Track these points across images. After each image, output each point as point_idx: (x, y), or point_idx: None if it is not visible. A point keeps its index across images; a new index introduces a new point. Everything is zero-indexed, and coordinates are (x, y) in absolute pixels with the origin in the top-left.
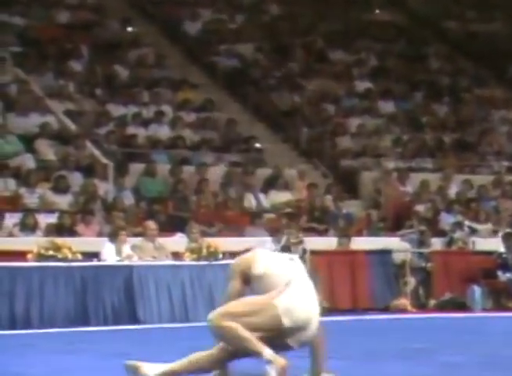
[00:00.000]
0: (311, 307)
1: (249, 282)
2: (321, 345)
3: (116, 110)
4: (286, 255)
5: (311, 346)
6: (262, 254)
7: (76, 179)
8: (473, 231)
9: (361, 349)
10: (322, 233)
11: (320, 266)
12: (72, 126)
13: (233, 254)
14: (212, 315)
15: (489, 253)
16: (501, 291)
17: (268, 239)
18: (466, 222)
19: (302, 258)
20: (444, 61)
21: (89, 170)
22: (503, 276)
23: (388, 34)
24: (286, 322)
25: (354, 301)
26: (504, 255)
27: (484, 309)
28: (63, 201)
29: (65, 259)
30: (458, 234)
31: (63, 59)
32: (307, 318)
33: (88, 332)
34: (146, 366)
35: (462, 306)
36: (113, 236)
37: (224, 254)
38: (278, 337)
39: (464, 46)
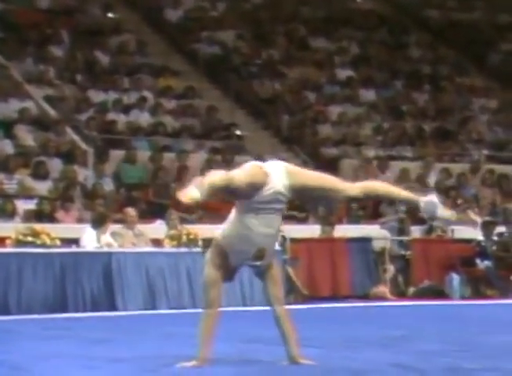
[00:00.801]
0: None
1: (251, 192)
2: (291, 330)
3: (96, 96)
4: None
5: (280, 332)
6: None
7: (55, 165)
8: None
9: (340, 337)
10: (302, 220)
11: (300, 254)
12: (52, 112)
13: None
14: None
15: (468, 241)
16: (479, 279)
17: None
18: None
19: (282, 245)
20: (425, 49)
21: (69, 156)
22: (482, 264)
23: (370, 22)
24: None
25: (334, 288)
26: (483, 243)
27: (463, 297)
28: (43, 187)
29: (44, 245)
30: (437, 222)
31: (44, 45)
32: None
33: (66, 319)
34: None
35: (440, 294)
36: (99, 223)
37: (203, 241)
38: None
39: (445, 35)
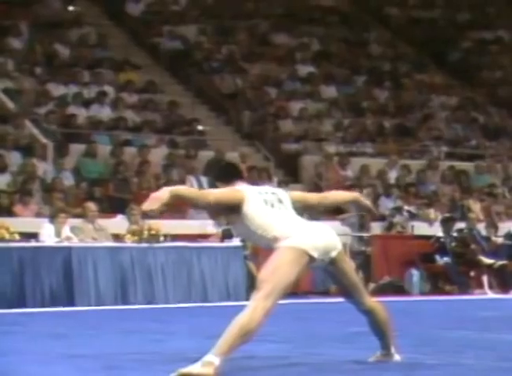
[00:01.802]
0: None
1: (234, 211)
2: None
3: (56, 89)
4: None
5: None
6: (252, 196)
7: (14, 159)
8: (412, 216)
9: (301, 333)
10: None
11: (261, 250)
12: (11, 105)
13: (175, 237)
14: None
15: (428, 237)
16: (439, 275)
17: (210, 222)
18: (406, 207)
19: (243, 241)
20: (385, 47)
21: (28, 150)
22: (441, 261)
23: (331, 19)
24: (316, 254)
25: (294, 284)
26: (442, 240)
27: (422, 293)
28: (1, 181)
29: (2, 240)
30: (397, 218)
31: (2, 37)
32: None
33: (24, 314)
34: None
35: (400, 290)
36: (53, 218)
37: (165, 236)
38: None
39: (405, 32)
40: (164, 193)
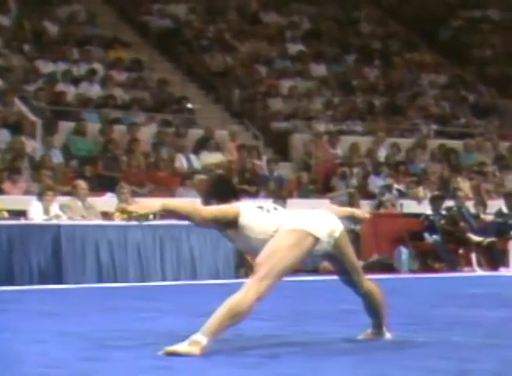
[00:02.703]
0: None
1: (231, 226)
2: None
3: (45, 66)
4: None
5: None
6: (246, 208)
7: (3, 136)
8: (401, 194)
9: (290, 310)
10: (253, 194)
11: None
12: None
13: (164, 215)
14: None
15: (417, 215)
16: (427, 253)
17: (199, 200)
18: (395, 186)
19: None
20: (375, 25)
21: (17, 127)
22: (430, 238)
23: None
24: (320, 235)
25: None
26: (431, 217)
27: (411, 271)
28: None
29: None
30: (387, 197)
31: None
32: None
33: (13, 291)
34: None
35: (389, 268)
36: (41, 196)
37: (155, 215)
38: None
39: (396, 11)
40: (155, 205)
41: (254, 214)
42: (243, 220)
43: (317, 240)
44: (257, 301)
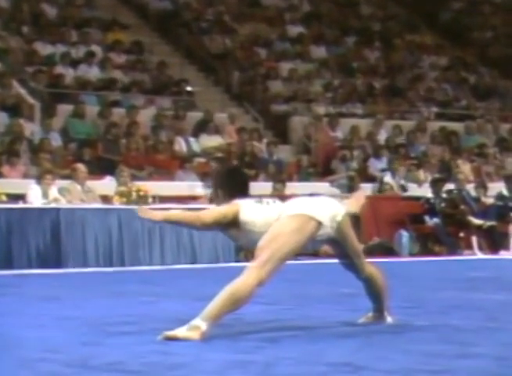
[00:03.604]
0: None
1: (233, 225)
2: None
3: (43, 49)
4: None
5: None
6: (246, 204)
7: (1, 119)
8: (404, 190)
9: (290, 294)
10: (253, 178)
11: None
12: None
13: (163, 199)
14: None
15: (417, 198)
16: (428, 236)
17: (199, 184)
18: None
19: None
20: (376, 7)
21: (15, 110)
22: (430, 222)
23: None
24: (323, 219)
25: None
26: (432, 200)
27: (412, 254)
28: None
29: None
30: (386, 179)
31: None
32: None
33: (12, 275)
34: (180, 330)
35: (390, 251)
36: (40, 179)
37: (154, 198)
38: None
39: None
40: (156, 215)
41: (254, 208)
42: (244, 216)
43: (320, 224)
44: (258, 287)
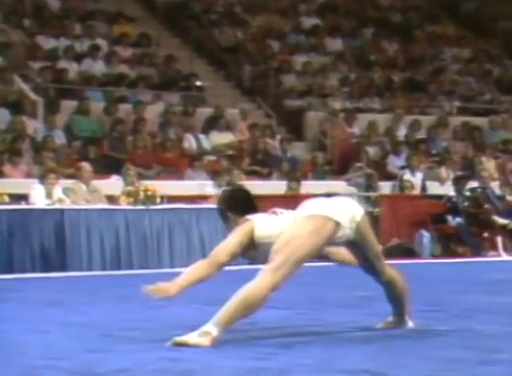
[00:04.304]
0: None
1: (254, 251)
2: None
3: (46, 42)
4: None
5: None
6: (259, 218)
7: (2, 116)
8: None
9: (304, 298)
10: (266, 176)
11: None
12: None
13: (172, 199)
14: None
15: (439, 197)
16: (450, 237)
17: (209, 183)
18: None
19: None
20: None
21: (17, 106)
22: (453, 221)
23: None
24: (341, 219)
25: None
26: (454, 199)
27: (433, 255)
28: None
29: None
30: (406, 177)
31: None
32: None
33: (14, 280)
34: (191, 335)
35: (410, 252)
36: (43, 179)
37: (162, 198)
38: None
39: None
40: (168, 289)
41: (267, 220)
42: (259, 232)
43: (338, 225)
44: (272, 291)
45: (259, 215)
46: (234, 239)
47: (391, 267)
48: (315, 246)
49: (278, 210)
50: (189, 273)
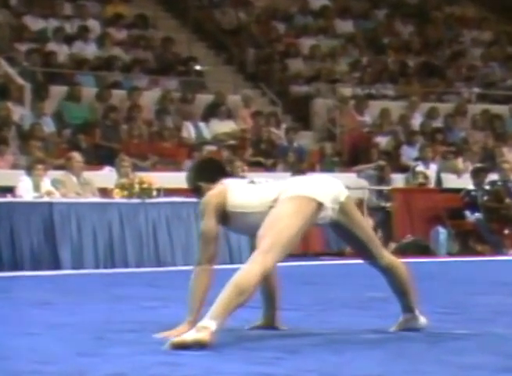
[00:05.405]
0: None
1: (227, 220)
2: (277, 291)
3: (34, 23)
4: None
5: (266, 292)
6: (234, 185)
7: None
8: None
9: (311, 299)
10: (270, 168)
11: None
12: None
13: (169, 192)
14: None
15: (456, 191)
16: (469, 233)
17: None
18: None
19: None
20: None
21: (2, 92)
22: (471, 217)
23: None
24: (324, 199)
25: (305, 245)
26: (473, 193)
27: (450, 254)
28: None
29: None
30: (419, 168)
31: None
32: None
33: (1, 278)
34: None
35: (425, 250)
36: (30, 170)
37: (159, 191)
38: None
39: None
40: (184, 328)
41: (243, 187)
42: (231, 196)
43: (320, 205)
44: (264, 275)
45: (235, 181)
46: (209, 224)
47: (392, 255)
48: (300, 227)
49: (256, 179)
50: (195, 302)
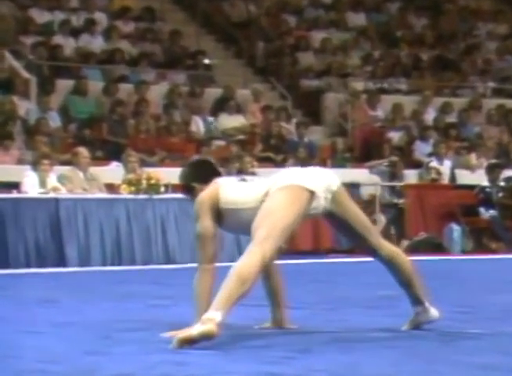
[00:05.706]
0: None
1: (220, 218)
2: (281, 290)
3: (40, 16)
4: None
5: (270, 292)
6: (226, 183)
7: None
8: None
9: (322, 297)
10: (280, 164)
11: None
12: None
13: (177, 188)
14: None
15: (470, 187)
16: (483, 231)
17: None
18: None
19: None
20: None
21: (8, 86)
22: (486, 214)
23: None
24: (316, 188)
25: (315, 242)
26: (488, 190)
27: (464, 251)
28: None
29: None
30: (432, 164)
31: None
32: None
33: (7, 275)
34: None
35: (438, 248)
36: (36, 165)
37: (166, 187)
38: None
39: None
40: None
41: (234, 184)
42: (224, 196)
43: (312, 194)
44: (264, 263)
45: (227, 179)
46: (205, 224)
47: (391, 245)
48: (295, 215)
49: (248, 177)
50: (202, 301)
